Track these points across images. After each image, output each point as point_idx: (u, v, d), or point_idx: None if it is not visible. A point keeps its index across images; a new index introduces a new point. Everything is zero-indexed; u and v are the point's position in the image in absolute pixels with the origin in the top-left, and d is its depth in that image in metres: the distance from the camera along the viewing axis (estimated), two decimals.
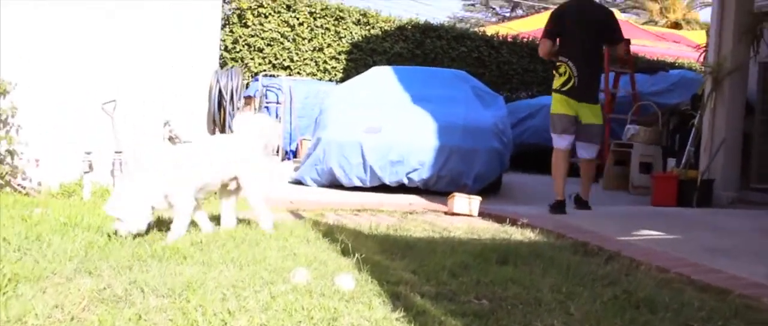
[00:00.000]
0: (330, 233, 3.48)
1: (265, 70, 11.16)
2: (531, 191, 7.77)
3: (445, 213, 5.08)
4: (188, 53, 5.26)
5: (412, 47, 11.92)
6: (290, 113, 10.42)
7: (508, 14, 37.54)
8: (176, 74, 5.21)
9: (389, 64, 11.02)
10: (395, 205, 5.43)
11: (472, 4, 42.20)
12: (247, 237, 3.23)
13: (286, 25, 11.33)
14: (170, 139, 5.11)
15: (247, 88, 10.87)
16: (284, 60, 11.29)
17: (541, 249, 3.41)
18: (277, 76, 10.93)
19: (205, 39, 5.31)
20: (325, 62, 11.53)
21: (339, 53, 11.59)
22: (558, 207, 5.55)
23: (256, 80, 10.60)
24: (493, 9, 39.94)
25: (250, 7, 11.15)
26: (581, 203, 5.79)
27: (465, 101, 7.56)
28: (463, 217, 4.91)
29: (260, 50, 11.20)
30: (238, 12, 11.07)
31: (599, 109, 5.86)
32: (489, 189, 6.73)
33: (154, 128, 5.12)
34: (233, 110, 5.00)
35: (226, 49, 11.01)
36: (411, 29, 12.00)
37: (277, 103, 10.55)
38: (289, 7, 11.39)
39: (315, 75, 11.46)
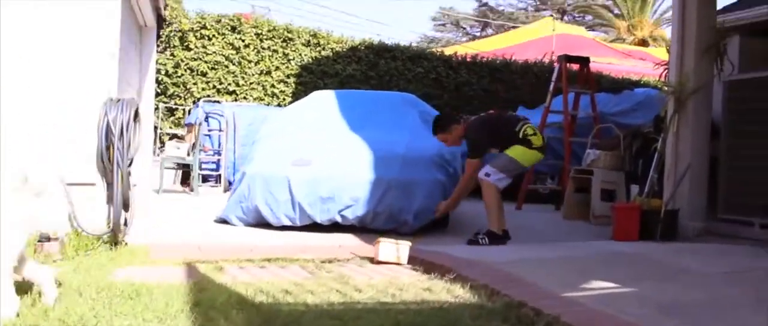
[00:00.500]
0: (204, 302, 2.81)
1: (208, 95, 10.48)
2: (483, 222, 7.15)
3: (372, 260, 4.42)
4: (74, 79, 4.55)
5: (365, 69, 11.32)
6: (234, 141, 9.74)
7: (478, 34, 37.30)
8: (60, 106, 4.50)
9: (341, 86, 10.43)
10: (319, 249, 4.76)
11: (443, 24, 42.02)
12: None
13: (231, 47, 10.69)
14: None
15: (188, 114, 10.20)
16: (229, 84, 10.64)
17: (460, 317, 2.77)
18: (220, 101, 10.26)
19: (96, 62, 4.61)
20: (272, 86, 10.90)
21: (287, 76, 10.97)
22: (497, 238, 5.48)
23: (198, 106, 9.93)
24: (464, 29, 39.74)
25: (192, 28, 10.49)
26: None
27: (410, 128, 6.95)
28: (390, 266, 4.25)
29: (204, 74, 10.54)
30: (179, 34, 10.39)
31: None
32: (435, 224, 6.12)
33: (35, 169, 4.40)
34: (123, 147, 4.29)
35: (166, 73, 10.35)
36: (364, 50, 11.41)
37: (220, 130, 9.88)
38: (234, 29, 10.76)
39: (262, 100, 10.81)
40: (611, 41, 23.93)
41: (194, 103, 10.24)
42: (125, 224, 4.48)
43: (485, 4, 37.54)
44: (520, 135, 5.50)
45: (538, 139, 5.57)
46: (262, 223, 5.94)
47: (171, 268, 3.93)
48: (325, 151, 6.04)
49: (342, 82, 11.03)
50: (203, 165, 9.92)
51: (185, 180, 9.90)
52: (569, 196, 7.71)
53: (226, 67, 10.63)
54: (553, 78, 8.77)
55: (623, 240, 5.73)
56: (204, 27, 10.57)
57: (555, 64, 8.86)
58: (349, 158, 5.89)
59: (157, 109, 10.29)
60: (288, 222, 5.81)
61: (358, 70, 11.22)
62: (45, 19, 4.57)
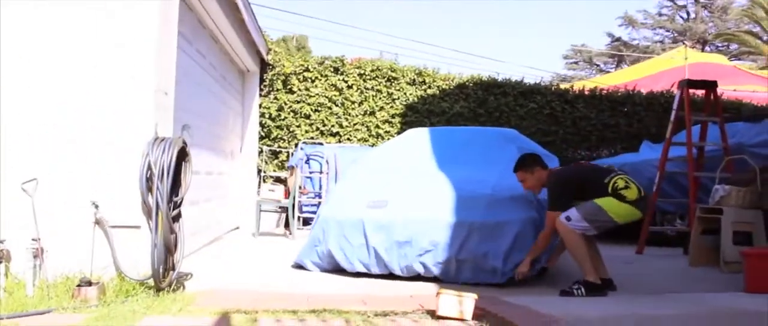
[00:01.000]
0: None
1: (312, 138, 10.34)
2: None
3: (433, 314, 3.83)
4: (118, 121, 4.36)
5: (473, 106, 10.76)
6: (334, 183, 9.46)
7: (613, 70, 35.56)
8: (106, 146, 4.32)
9: (449, 125, 9.93)
10: (382, 300, 4.25)
11: (575, 62, 40.59)
12: None
13: (334, 88, 10.52)
14: (98, 222, 4.21)
15: (289, 157, 10.09)
16: (333, 126, 10.44)
17: None
18: (321, 143, 10.06)
19: (139, 102, 4.41)
20: (377, 126, 10.58)
21: (392, 116, 10.62)
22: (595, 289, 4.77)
23: (301, 149, 9.80)
24: (597, 65, 38.13)
25: (295, 71, 10.44)
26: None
27: (505, 164, 6.31)
28: (453, 322, 3.64)
29: (307, 116, 10.42)
30: (282, 77, 10.37)
31: None
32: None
33: (80, 211, 4.24)
34: (164, 189, 4.02)
35: (270, 116, 10.33)
36: (472, 87, 10.87)
37: (320, 172, 9.66)
38: (336, 70, 10.60)
39: (366, 141, 10.51)
40: (761, 68, 21.78)
41: (296, 145, 10.12)
42: (171, 269, 4.19)
43: (618, 39, 35.88)
44: (610, 188, 4.79)
45: (633, 192, 4.82)
46: (338, 269, 5.52)
47: (203, 318, 3.56)
48: (403, 192, 5.54)
49: (449, 120, 10.53)
50: (304, 208, 9.72)
51: (287, 223, 9.72)
52: (695, 239, 6.69)
53: (330, 108, 10.45)
54: (674, 106, 7.79)
55: (759, 292, 4.76)
56: (307, 69, 10.49)
57: (675, 90, 7.87)
58: (429, 199, 5.36)
59: (261, 152, 10.29)
60: (362, 269, 5.35)
61: (465, 108, 10.68)
62: (94, 57, 4.44)
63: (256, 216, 8.73)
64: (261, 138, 10.45)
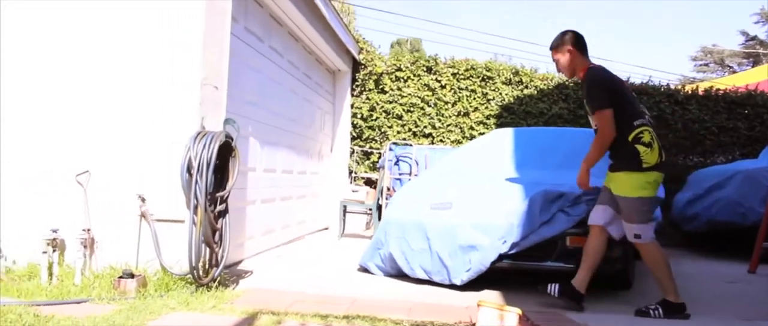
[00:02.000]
0: None
1: (404, 138, 10.15)
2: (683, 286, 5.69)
3: None
4: (165, 115, 4.34)
5: (573, 107, 10.17)
6: None
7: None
8: (154, 139, 4.32)
9: (547, 126, 9.44)
10: (432, 308, 3.97)
11: (705, 64, 38.11)
12: None
13: (426, 88, 10.28)
14: (143, 215, 4.20)
15: (379, 158, 9.95)
16: (425, 127, 10.20)
17: None
18: (411, 144, 9.84)
19: (185, 96, 4.36)
20: (471, 128, 10.23)
21: (487, 117, 10.23)
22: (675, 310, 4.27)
23: (391, 149, 9.63)
24: (730, 67, 35.56)
25: (387, 71, 10.30)
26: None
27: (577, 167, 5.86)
28: None
29: (399, 117, 10.24)
30: (374, 77, 10.26)
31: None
32: (613, 284, 5.02)
33: (128, 204, 4.25)
34: (204, 184, 3.94)
35: (362, 117, 10.23)
36: (573, 87, 10.27)
37: (410, 173, 9.44)
38: (429, 69, 10.36)
39: (460, 142, 10.18)
40: None
41: (389, 147, 9.96)
42: (214, 265, 4.11)
43: (754, 38, 33.22)
44: (633, 136, 4.29)
45: (654, 155, 4.31)
46: (402, 274, 5.28)
47: (228, 317, 3.43)
48: (470, 193, 5.21)
49: (547, 122, 10.02)
50: None
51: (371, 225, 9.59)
52: None
53: (422, 109, 10.22)
54: None
55: None
56: (399, 69, 10.32)
57: None
58: (496, 201, 4.99)
59: (353, 152, 10.22)
60: (423, 275, 5.07)
61: (565, 109, 10.10)
62: (143, 52, 4.45)
63: (340, 217, 8.64)
64: (353, 138, 10.38)
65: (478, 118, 10.22)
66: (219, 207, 4.15)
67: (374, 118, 10.29)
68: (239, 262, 5.73)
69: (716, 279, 6.36)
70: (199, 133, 4.13)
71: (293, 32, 7.46)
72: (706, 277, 6.51)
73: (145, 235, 4.22)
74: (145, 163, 4.29)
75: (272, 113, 6.85)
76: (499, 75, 10.35)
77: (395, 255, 5.19)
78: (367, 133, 10.29)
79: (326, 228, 9.70)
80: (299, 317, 3.50)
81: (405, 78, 10.33)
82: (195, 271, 3.92)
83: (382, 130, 10.27)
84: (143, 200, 4.20)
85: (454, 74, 10.33)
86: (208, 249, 4.08)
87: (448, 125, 10.23)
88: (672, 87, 10.37)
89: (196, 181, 3.93)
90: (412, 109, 10.27)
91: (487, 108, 10.28)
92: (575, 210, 4.73)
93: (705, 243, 9.34)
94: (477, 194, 5.14)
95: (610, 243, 4.56)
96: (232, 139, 4.29)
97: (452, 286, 4.92)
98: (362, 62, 10.31)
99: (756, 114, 10.17)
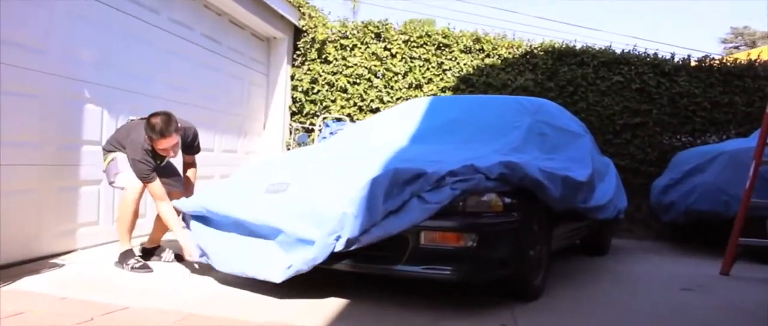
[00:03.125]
0: None
1: (349, 114, 8.93)
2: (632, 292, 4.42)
3: None
4: None
5: (542, 78, 8.82)
6: None
7: None
8: None
9: None
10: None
11: (735, 47, 36.09)
12: None
13: (375, 57, 9.02)
14: None
15: (317, 134, 8.75)
16: (373, 101, 8.95)
17: None
18: (343, 119, 8.62)
19: None
20: None
21: (442, 90, 8.95)
22: None
23: (327, 126, 8.42)
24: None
25: (331, 38, 9.06)
26: None
27: (498, 141, 4.61)
28: None
29: (344, 90, 9.01)
30: (317, 46, 9.03)
31: None
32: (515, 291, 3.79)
33: None
34: None
35: (303, 90, 9.02)
36: (542, 55, 8.92)
37: None
38: (379, 36, 9.10)
39: None
40: None
41: (324, 123, 8.75)
42: None
43: None
44: None
45: None
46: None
47: None
48: (312, 173, 3.98)
49: (512, 94, 8.69)
50: None
51: None
52: None
53: (369, 81, 8.97)
54: None
55: None
56: (345, 36, 9.07)
57: None
58: (334, 184, 3.73)
59: (292, 130, 9.04)
60: (240, 272, 3.87)
61: (531, 80, 8.75)
62: None
63: None
64: (294, 114, 9.19)
65: (432, 90, 8.94)
66: None
67: (316, 90, 9.08)
68: (55, 255, 4.63)
69: (673, 285, 5.07)
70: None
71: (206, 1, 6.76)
72: (662, 282, 5.21)
73: None
74: None
75: (173, 88, 6.33)
76: (457, 42, 9.05)
77: (206, 245, 4.01)
78: (308, 108, 9.09)
79: None
80: None
81: (351, 46, 9.09)
82: None
83: (325, 104, 9.06)
84: None
85: (405, 41, 9.06)
86: None
87: (398, 99, 8.97)
88: (659, 56, 8.92)
89: None
90: (358, 80, 9.03)
91: (442, 79, 9.00)
92: (435, 195, 3.47)
93: (691, 236, 7.99)
94: (318, 174, 3.90)
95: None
96: None
97: (279, 287, 3.73)
98: (304, 28, 9.09)
99: (757, 87, 8.70)
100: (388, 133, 5.05)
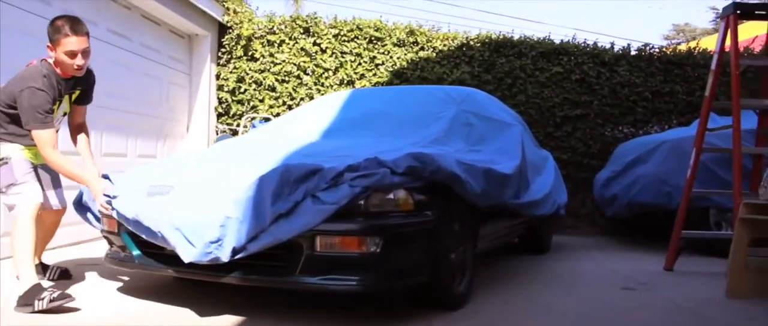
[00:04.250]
0: None
1: (277, 114, 8.40)
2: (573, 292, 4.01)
3: None
4: None
5: (479, 71, 8.45)
6: None
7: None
8: None
9: None
10: None
11: (678, 44, 36.59)
12: None
13: (304, 53, 8.53)
14: None
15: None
16: (302, 98, 8.45)
17: None
18: (269, 118, 8.11)
19: None
20: None
21: (375, 85, 8.49)
22: None
23: (254, 126, 7.90)
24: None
25: (257, 34, 8.53)
26: None
27: (417, 135, 4.18)
28: None
29: (272, 88, 8.49)
30: (243, 42, 8.49)
31: None
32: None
33: None
34: None
35: (229, 90, 8.47)
36: (479, 47, 8.55)
37: None
38: (307, 31, 8.60)
39: None
40: None
41: (250, 123, 8.21)
42: None
43: None
44: None
45: None
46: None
47: None
48: (197, 174, 3.47)
49: None
50: None
51: None
52: (737, 253, 4.22)
53: (299, 78, 8.47)
54: (716, 49, 5.25)
55: None
56: (272, 31, 8.55)
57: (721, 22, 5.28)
58: (218, 185, 3.21)
59: (218, 132, 8.48)
60: None
61: (468, 73, 8.37)
62: None
63: None
64: (220, 115, 8.63)
65: (364, 86, 8.48)
66: None
67: (243, 90, 8.53)
68: None
69: (614, 284, 4.70)
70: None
71: None
72: (603, 281, 4.85)
73: None
74: None
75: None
76: (390, 35, 8.61)
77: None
78: (235, 108, 8.54)
79: None
80: None
81: (278, 42, 8.57)
82: None
83: (252, 103, 8.52)
84: None
85: (336, 35, 8.58)
86: None
87: None
88: (599, 46, 8.64)
89: None
90: (287, 78, 8.52)
91: (375, 74, 8.55)
92: (331, 194, 2.98)
93: (636, 230, 7.71)
94: (205, 175, 3.39)
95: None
96: None
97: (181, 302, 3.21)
98: (228, 24, 8.54)
99: (697, 75, 8.47)
100: (300, 128, 4.56)
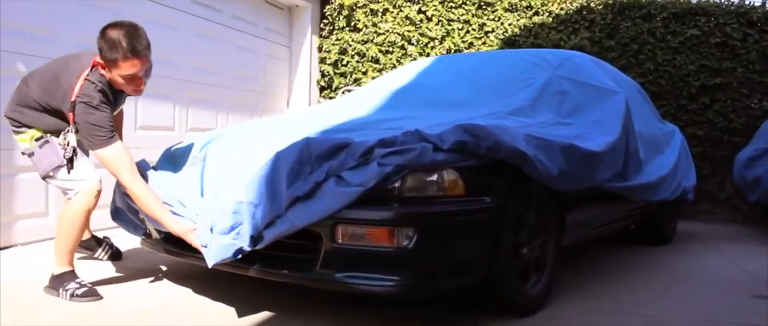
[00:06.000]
0: None
1: None
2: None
3: None
4: None
5: (601, 37, 7.55)
6: None
7: None
8: None
9: None
10: None
11: None
12: None
13: (408, 22, 8.02)
14: None
15: None
16: None
17: None
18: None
19: None
20: None
21: None
22: None
23: None
24: None
25: (358, 2, 8.13)
26: None
27: (484, 104, 3.60)
28: None
29: (375, 60, 8.08)
30: (345, 12, 8.13)
31: None
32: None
33: None
34: None
35: (332, 63, 8.16)
36: (600, 9, 7.63)
37: None
38: None
39: None
40: None
41: (341, 94, 7.84)
42: None
43: None
44: None
45: None
46: None
47: None
48: (235, 149, 3.08)
49: None
50: None
51: None
52: None
53: (403, 48, 7.98)
54: None
55: None
56: (375, 0, 8.11)
57: None
58: (242, 164, 2.80)
59: None
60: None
61: (587, 39, 7.49)
62: None
63: None
64: (323, 89, 8.35)
65: None
66: None
67: (345, 62, 8.18)
68: None
69: (744, 288, 3.87)
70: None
71: None
72: (730, 283, 4.02)
73: None
74: None
75: (158, 62, 5.46)
76: (501, 0, 7.89)
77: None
78: (337, 81, 8.21)
79: None
80: None
81: (382, 10, 8.12)
82: None
83: (355, 76, 8.15)
84: None
85: (442, 2, 8.00)
86: None
87: None
88: (746, 3, 7.44)
89: None
90: (391, 48, 8.06)
91: (485, 43, 7.89)
92: (357, 175, 2.47)
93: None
94: (235, 151, 2.99)
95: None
96: None
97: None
98: None
99: None
100: (363, 99, 4.09)
